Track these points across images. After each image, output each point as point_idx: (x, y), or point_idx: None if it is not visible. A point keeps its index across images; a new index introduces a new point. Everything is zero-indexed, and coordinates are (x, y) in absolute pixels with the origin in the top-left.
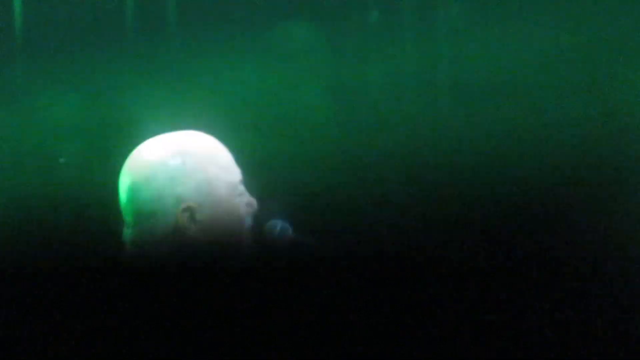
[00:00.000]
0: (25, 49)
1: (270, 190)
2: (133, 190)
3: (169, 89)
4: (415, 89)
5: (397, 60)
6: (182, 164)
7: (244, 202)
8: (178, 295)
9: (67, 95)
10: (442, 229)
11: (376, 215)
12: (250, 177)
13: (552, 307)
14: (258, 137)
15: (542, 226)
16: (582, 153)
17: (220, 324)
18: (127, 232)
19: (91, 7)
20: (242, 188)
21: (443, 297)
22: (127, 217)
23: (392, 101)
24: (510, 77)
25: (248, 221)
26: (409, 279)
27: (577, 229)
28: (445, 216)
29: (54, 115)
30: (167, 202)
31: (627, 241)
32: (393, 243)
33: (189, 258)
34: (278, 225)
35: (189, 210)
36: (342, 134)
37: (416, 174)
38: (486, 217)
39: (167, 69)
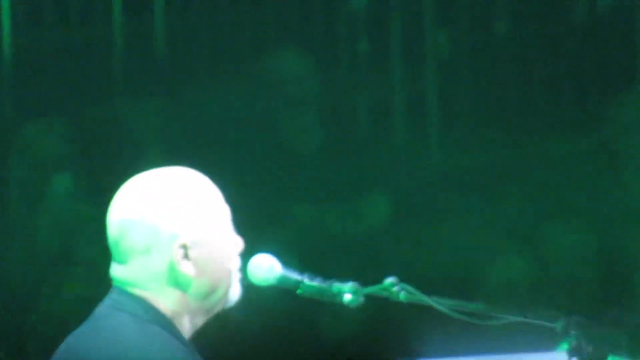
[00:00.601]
0: (12, 83)
1: (255, 224)
2: (126, 226)
3: (156, 120)
4: (404, 117)
5: (385, 88)
6: (177, 200)
7: (232, 240)
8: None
9: (54, 127)
10: (430, 257)
11: (366, 247)
12: (236, 214)
13: None
14: (245, 168)
15: None
16: None
17: None
18: (118, 270)
19: (80, 43)
20: (231, 226)
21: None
22: (118, 254)
23: (381, 130)
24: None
25: (236, 260)
26: (400, 318)
27: None
28: (435, 247)
29: (41, 147)
30: (162, 238)
31: None
32: (385, 275)
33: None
34: (264, 261)
35: (184, 247)
36: (331, 163)
37: (405, 203)
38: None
39: (155, 100)
